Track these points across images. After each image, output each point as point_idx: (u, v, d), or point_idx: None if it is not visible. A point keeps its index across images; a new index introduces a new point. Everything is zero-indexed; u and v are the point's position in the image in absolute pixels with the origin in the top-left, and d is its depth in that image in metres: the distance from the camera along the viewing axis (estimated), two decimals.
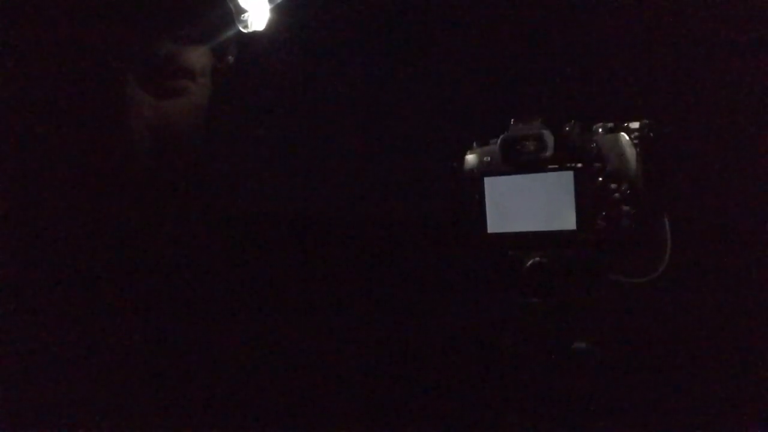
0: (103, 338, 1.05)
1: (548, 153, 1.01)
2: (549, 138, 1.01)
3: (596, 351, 1.01)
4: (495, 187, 1.06)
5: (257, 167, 1.22)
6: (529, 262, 1.02)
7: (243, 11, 0.90)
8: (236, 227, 1.16)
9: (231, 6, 0.91)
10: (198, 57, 0.95)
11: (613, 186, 0.99)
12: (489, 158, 1.07)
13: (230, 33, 0.93)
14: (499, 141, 1.04)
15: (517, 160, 1.03)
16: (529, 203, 1.04)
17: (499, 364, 1.06)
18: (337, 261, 1.14)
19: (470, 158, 1.09)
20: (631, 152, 0.99)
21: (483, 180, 1.07)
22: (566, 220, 1.01)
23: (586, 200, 1.00)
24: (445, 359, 1.10)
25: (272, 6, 0.92)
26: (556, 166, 1.01)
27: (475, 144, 1.09)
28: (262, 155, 1.22)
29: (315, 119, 1.25)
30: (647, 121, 1.01)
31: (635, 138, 0.99)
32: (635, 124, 1.01)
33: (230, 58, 0.99)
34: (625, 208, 0.98)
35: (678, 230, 0.96)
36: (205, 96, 0.99)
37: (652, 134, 1.00)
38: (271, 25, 0.93)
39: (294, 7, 0.97)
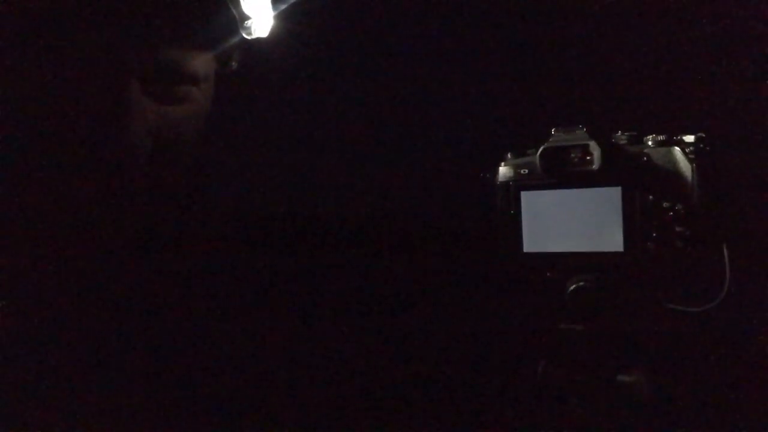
0: (103, 339, 1.02)
1: (594, 166, 0.92)
2: (595, 149, 0.92)
3: (644, 385, 0.92)
4: (533, 202, 0.97)
5: (262, 173, 1.16)
6: (573, 287, 0.93)
7: (246, 18, 0.89)
8: (239, 233, 1.11)
9: (234, 12, 0.88)
10: (201, 63, 0.94)
11: (665, 204, 0.90)
12: (526, 170, 0.98)
13: (234, 39, 0.91)
14: (539, 151, 0.95)
15: (559, 173, 0.94)
16: (571, 221, 0.95)
17: (536, 395, 0.97)
18: (362, 277, 1.07)
19: (505, 170, 1.00)
20: (685, 168, 0.90)
21: (519, 194, 0.98)
22: (612, 240, 0.92)
23: (635, 219, 0.91)
24: (476, 388, 1.02)
25: (276, 13, 0.91)
26: (603, 181, 0.92)
27: (510, 154, 1.00)
28: (267, 161, 1.16)
29: (325, 128, 1.18)
30: (704, 134, 0.92)
31: (690, 152, 0.90)
32: (690, 137, 0.92)
33: (234, 64, 0.99)
34: (679, 229, 0.89)
35: (738, 255, 0.87)
36: (208, 102, 0.99)
37: (709, 149, 0.91)
38: (274, 31, 0.92)
39: (298, 14, 0.95)
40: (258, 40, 0.91)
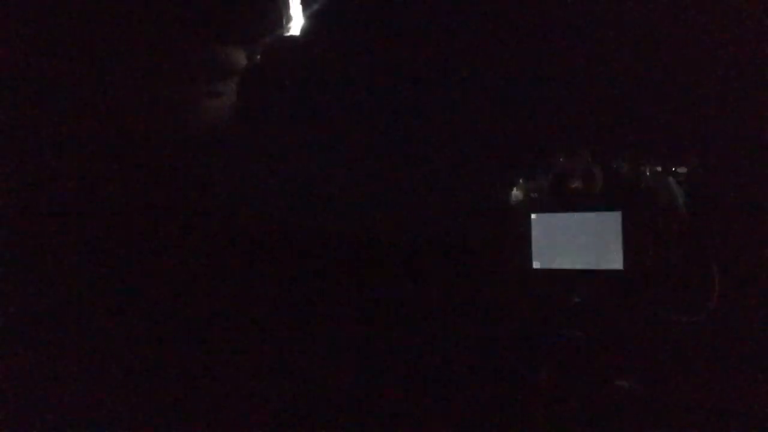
0: (104, 342, 1.07)
1: (598, 193, 1.03)
2: (599, 178, 1.03)
3: (639, 389, 1.02)
4: (542, 224, 1.08)
5: (280, 178, 1.20)
6: (577, 300, 1.03)
7: (291, 18, 0.91)
8: (251, 244, 1.16)
9: (283, 13, 0.91)
10: (237, 58, 0.95)
11: (661, 227, 1.01)
12: (536, 194, 1.09)
13: (272, 36, 0.93)
14: (549, 177, 1.06)
15: (566, 198, 1.06)
16: (577, 241, 1.06)
17: (537, 399, 1.06)
18: (375, 291, 1.15)
19: (517, 193, 1.11)
20: (679, 195, 1.02)
21: (530, 215, 1.09)
22: (613, 259, 1.03)
23: (633, 240, 1.02)
24: (482, 393, 1.10)
25: (307, 14, 0.94)
26: (605, 206, 1.04)
27: (521, 180, 1.11)
28: (286, 167, 1.21)
29: (346, 141, 1.24)
30: (695, 165, 1.04)
31: (683, 181, 1.02)
32: (683, 169, 1.04)
33: (258, 58, 1.00)
34: (672, 249, 1.01)
35: (727, 272, 0.98)
36: (235, 96, 1.00)
37: (699, 179, 1.03)
38: (304, 31, 0.95)
39: (330, 17, 0.97)
40: (288, 38, 0.94)
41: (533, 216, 1.09)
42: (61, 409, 1.06)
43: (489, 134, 1.15)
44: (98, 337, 1.08)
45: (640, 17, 1.11)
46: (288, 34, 0.95)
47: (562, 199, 1.06)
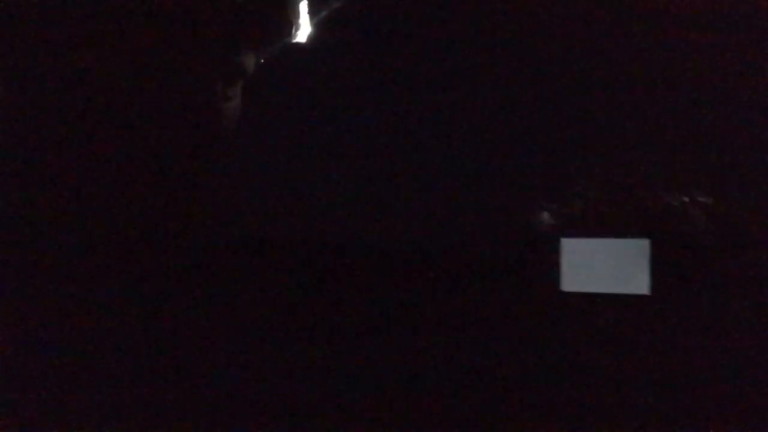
0: (104, 340, 1.11)
1: (626, 219, 1.07)
2: (627, 205, 1.06)
3: (651, 401, 1.05)
4: (571, 249, 1.11)
5: (297, 183, 1.22)
6: (604, 322, 1.06)
7: (300, 27, 0.95)
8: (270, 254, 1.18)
9: (293, 21, 0.94)
10: (249, 62, 0.97)
11: (687, 254, 1.04)
12: (566, 220, 1.12)
13: (282, 43, 0.97)
14: (578, 202, 1.10)
15: (595, 222, 1.09)
16: (605, 266, 1.09)
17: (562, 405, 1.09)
18: (405, 311, 1.18)
19: (546, 217, 1.14)
20: (703, 225, 1.05)
21: (560, 240, 1.12)
22: (640, 285, 1.06)
23: (660, 267, 1.05)
24: (501, 402, 1.13)
25: (313, 22, 0.97)
26: (633, 233, 1.07)
27: (552, 205, 1.15)
28: (301, 171, 1.22)
29: (362, 156, 1.26)
30: (721, 195, 1.07)
31: (708, 210, 1.05)
32: (708, 199, 1.07)
33: (261, 61, 1.01)
34: (699, 275, 1.04)
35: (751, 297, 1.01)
36: (240, 100, 1.01)
37: (725, 207, 1.06)
38: (310, 38, 0.97)
39: (336, 26, 1.00)
40: (294, 45, 0.97)
41: (563, 240, 1.12)
42: (61, 409, 1.07)
43: (523, 161, 1.18)
44: (98, 338, 1.09)
45: (680, 47, 1.13)
46: (295, 41, 0.96)
47: (591, 226, 1.09)
